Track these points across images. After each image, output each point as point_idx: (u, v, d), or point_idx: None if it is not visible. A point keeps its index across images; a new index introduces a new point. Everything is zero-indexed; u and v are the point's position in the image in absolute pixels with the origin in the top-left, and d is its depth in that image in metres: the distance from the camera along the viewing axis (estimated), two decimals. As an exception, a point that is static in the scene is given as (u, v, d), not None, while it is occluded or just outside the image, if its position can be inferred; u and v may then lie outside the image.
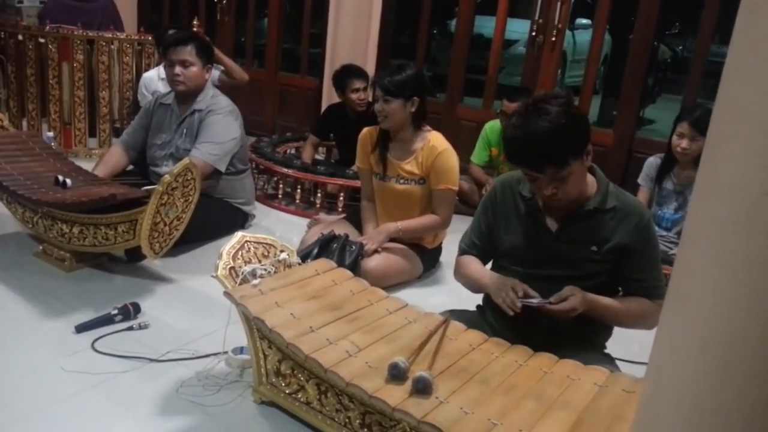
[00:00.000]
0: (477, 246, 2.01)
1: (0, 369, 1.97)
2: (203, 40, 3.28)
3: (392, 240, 2.84)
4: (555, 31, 4.12)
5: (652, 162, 3.19)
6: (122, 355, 2.08)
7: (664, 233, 3.08)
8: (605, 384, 1.56)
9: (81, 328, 2.20)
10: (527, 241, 1.87)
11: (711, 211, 0.74)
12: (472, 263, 2.00)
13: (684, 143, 2.92)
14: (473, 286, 2.01)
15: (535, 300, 1.75)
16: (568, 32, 4.66)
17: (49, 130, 4.35)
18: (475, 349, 1.71)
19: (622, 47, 5.42)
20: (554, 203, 1.78)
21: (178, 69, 3.06)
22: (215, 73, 3.91)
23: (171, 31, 3.88)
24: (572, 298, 1.72)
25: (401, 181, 2.81)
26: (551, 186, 1.70)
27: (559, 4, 4.08)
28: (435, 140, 2.77)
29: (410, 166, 2.78)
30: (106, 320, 2.25)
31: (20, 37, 4.35)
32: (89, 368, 2.00)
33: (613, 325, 1.92)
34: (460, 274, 2.04)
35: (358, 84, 3.85)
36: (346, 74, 3.90)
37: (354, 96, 3.86)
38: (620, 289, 1.89)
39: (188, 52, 3.05)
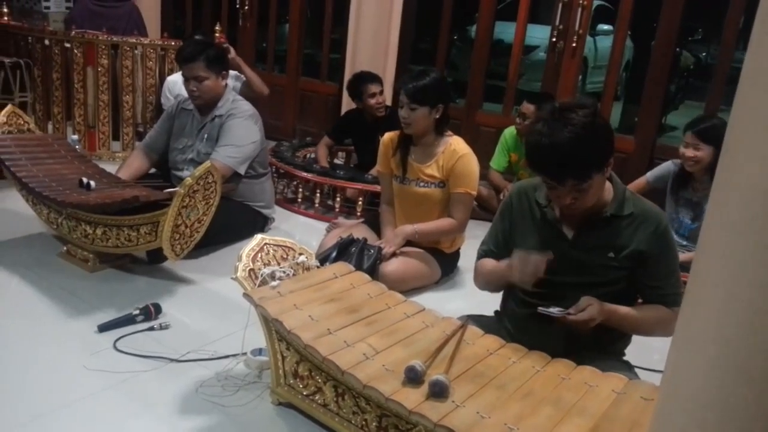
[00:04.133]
0: (494, 253, 2.00)
1: (23, 366, 2.02)
2: (214, 49, 3.22)
3: (410, 244, 2.85)
4: (576, 37, 4.10)
5: (670, 167, 3.16)
6: (143, 354, 2.11)
7: (684, 242, 3.06)
8: (623, 391, 1.55)
9: (103, 328, 2.24)
10: (544, 248, 1.85)
11: (728, 216, 0.74)
12: (489, 262, 1.99)
13: (689, 152, 2.96)
14: (493, 279, 1.97)
15: (555, 310, 1.74)
16: (589, 38, 4.65)
17: (74, 133, 4.43)
18: (492, 354, 1.71)
19: (644, 53, 5.39)
20: (571, 211, 1.77)
21: (192, 85, 3.09)
22: (237, 85, 3.92)
23: (197, 37, 3.92)
24: (590, 308, 1.70)
25: (421, 184, 2.82)
26: (570, 196, 1.69)
27: (579, 9, 4.07)
28: (456, 144, 2.78)
29: (431, 169, 2.79)
30: (128, 320, 2.28)
31: (46, 42, 4.42)
32: (111, 367, 2.03)
33: (631, 333, 1.91)
34: (479, 274, 2.02)
35: (374, 88, 3.87)
36: (361, 81, 3.92)
37: (372, 101, 3.87)
38: (638, 296, 1.88)
39: (199, 68, 3.06)
